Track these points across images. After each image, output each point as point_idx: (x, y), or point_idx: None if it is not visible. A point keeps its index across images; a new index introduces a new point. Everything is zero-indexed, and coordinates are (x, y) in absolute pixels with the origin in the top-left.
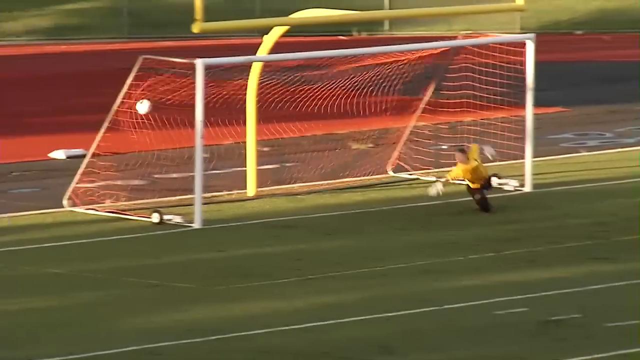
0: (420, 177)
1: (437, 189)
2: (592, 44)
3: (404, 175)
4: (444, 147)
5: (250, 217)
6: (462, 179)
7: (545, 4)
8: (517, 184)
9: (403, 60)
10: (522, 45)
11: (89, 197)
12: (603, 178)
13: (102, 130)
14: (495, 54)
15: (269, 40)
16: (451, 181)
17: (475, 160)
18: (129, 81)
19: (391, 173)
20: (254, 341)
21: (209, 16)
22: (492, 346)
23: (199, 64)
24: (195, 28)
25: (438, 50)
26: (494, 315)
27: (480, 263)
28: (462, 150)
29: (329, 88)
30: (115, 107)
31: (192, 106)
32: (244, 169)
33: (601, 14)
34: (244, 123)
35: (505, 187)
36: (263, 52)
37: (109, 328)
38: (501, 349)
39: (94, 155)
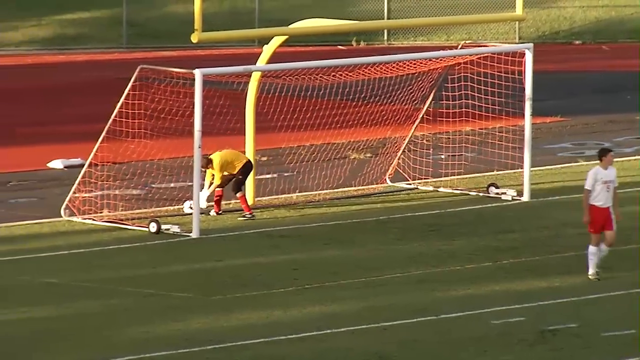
0: (419, 187)
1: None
2: (591, 54)
3: (402, 184)
4: (442, 156)
5: (248, 227)
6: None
7: (544, 13)
8: (515, 194)
9: (403, 70)
10: (521, 55)
11: (86, 207)
12: None
13: (100, 139)
14: (493, 63)
15: (268, 50)
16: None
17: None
18: (126, 91)
19: (389, 182)
20: (251, 350)
21: (208, 26)
22: (489, 356)
23: (198, 73)
24: (194, 38)
25: (438, 61)
26: (491, 325)
27: (477, 272)
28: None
29: (327, 98)
30: (113, 116)
31: (191, 115)
32: None
33: (600, 24)
34: (243, 132)
35: (503, 197)
36: (262, 61)
37: (106, 338)
38: (498, 359)
39: (91, 164)
